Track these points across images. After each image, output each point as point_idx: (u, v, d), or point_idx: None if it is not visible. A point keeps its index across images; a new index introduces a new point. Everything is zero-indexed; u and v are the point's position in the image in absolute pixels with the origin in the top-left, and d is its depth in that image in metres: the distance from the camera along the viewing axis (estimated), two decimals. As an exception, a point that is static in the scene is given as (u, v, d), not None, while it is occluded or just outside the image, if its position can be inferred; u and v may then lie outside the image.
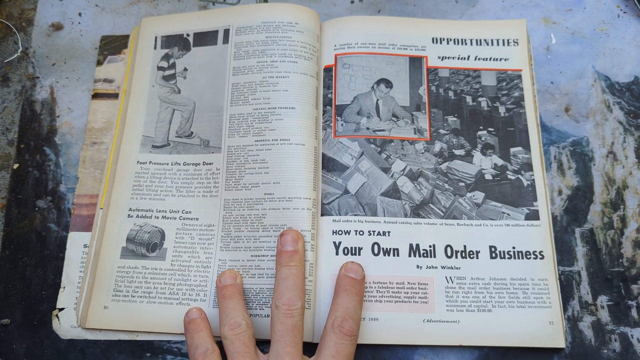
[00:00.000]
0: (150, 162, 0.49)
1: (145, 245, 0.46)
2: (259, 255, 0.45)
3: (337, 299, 0.42)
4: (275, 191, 0.46)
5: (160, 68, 0.52)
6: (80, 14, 0.55)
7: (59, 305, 0.46)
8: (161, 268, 0.46)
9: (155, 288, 0.45)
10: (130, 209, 0.48)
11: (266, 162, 0.47)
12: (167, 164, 0.49)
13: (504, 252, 0.45)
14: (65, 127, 0.51)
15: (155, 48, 0.53)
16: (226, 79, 0.50)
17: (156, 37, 0.53)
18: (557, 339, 0.43)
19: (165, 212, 0.47)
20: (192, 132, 0.50)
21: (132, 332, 0.45)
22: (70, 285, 0.46)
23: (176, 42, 0.53)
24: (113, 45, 0.54)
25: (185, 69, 0.52)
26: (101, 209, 0.48)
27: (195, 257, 0.46)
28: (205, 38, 0.52)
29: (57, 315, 0.45)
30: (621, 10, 0.54)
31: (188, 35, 0.53)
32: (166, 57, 0.52)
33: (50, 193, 0.49)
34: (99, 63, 0.53)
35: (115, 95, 0.52)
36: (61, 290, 0.46)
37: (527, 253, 0.45)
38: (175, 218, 0.47)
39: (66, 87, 0.53)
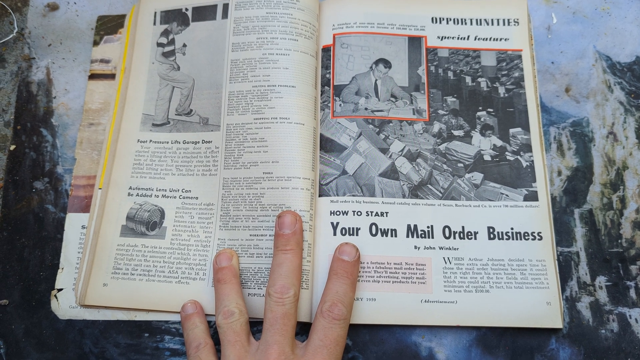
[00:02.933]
0: (150, 141, 0.49)
1: (145, 223, 0.46)
2: (257, 235, 0.45)
3: (328, 283, 0.42)
4: (274, 170, 0.45)
5: (159, 44, 0.52)
6: (75, -6, 0.55)
7: (57, 286, 0.46)
8: (160, 246, 0.46)
9: (154, 266, 0.45)
10: (130, 188, 0.48)
11: (265, 140, 0.46)
12: (167, 142, 0.49)
13: (502, 232, 0.45)
14: (61, 108, 0.51)
15: (154, 24, 0.52)
16: (225, 55, 0.50)
17: (155, 13, 0.52)
18: (554, 319, 0.43)
19: (165, 190, 0.47)
20: (191, 110, 0.49)
21: (131, 311, 0.45)
22: (69, 266, 0.46)
23: (175, 17, 0.52)
24: (109, 25, 0.53)
25: (184, 45, 0.51)
26: (100, 189, 0.48)
27: (195, 236, 0.46)
28: (204, 13, 0.52)
29: (55, 296, 0.45)
30: (623, -11, 0.53)
31: (187, 9, 0.52)
32: (165, 32, 0.52)
33: (47, 174, 0.49)
34: (96, 43, 0.53)
35: (112, 76, 0.52)
36: (60, 271, 0.46)
37: (525, 234, 0.45)
38: (175, 197, 0.47)
39: (62, 67, 0.52)
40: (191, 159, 0.48)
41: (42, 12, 0.54)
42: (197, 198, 0.47)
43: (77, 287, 0.45)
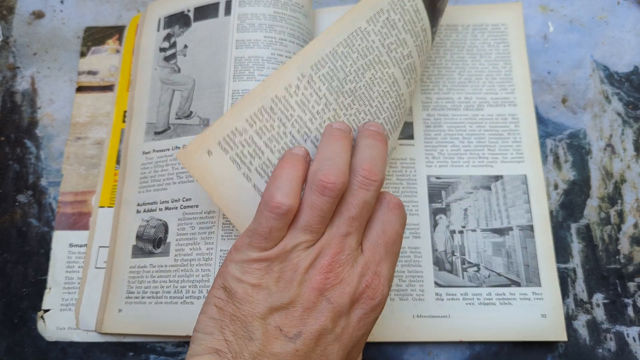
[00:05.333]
0: (153, 151, 0.47)
1: (152, 241, 0.45)
2: None
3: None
4: None
5: (162, 49, 0.50)
6: (62, 2, 0.54)
7: (44, 306, 0.44)
8: (166, 265, 0.44)
9: (162, 287, 0.43)
10: (138, 204, 0.46)
11: None
12: (168, 149, 0.47)
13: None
14: (46, 119, 0.50)
15: (158, 30, 0.51)
16: (228, 52, 0.48)
17: (159, 19, 0.51)
18: (554, 332, 0.42)
19: (168, 202, 0.45)
20: (191, 112, 0.47)
21: (145, 336, 0.43)
22: (57, 286, 0.45)
23: (177, 20, 0.50)
24: (97, 37, 0.52)
25: (186, 46, 0.49)
26: (101, 207, 0.46)
27: (197, 250, 0.44)
28: (206, 11, 0.50)
29: (42, 317, 0.44)
30: (621, -3, 0.52)
31: (189, 11, 0.50)
32: (168, 37, 0.50)
33: (31, 187, 0.48)
34: (83, 54, 0.52)
35: (100, 88, 0.50)
36: (47, 291, 0.45)
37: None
38: (176, 208, 0.45)
39: (47, 77, 0.51)
40: None
41: (28, 20, 0.53)
42: (197, 206, 0.45)
43: (78, 311, 0.44)
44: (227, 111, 0.38)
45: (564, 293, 0.44)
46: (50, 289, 0.45)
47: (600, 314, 0.43)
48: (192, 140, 0.36)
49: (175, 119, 0.48)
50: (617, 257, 0.45)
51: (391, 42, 0.41)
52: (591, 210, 0.46)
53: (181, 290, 0.43)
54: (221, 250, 0.43)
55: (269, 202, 0.33)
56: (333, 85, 0.39)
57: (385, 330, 0.42)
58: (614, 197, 0.46)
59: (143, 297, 0.43)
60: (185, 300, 0.42)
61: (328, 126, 0.37)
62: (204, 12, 0.50)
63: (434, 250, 0.44)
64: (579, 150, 0.48)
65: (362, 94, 0.40)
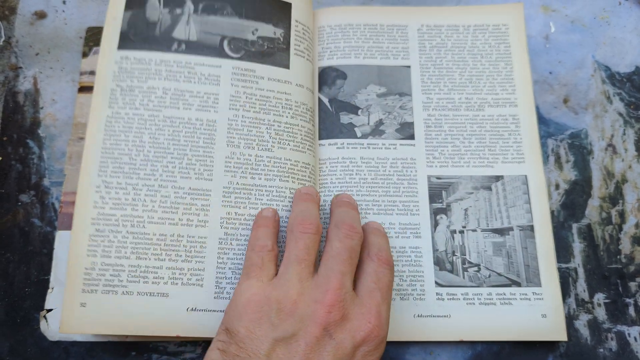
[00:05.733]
0: None
1: None
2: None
3: (369, 237, 0.40)
4: None
5: None
6: (64, 2, 0.54)
7: (47, 306, 0.45)
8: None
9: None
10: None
11: None
12: None
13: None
14: (49, 119, 0.50)
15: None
16: None
17: None
18: (554, 332, 0.42)
19: None
20: None
21: (121, 336, 0.43)
22: (59, 285, 0.45)
23: None
24: (99, 37, 0.52)
25: None
26: None
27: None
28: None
29: (45, 317, 0.44)
30: (623, -3, 0.52)
31: None
32: None
33: (33, 187, 0.48)
34: (84, 55, 0.52)
35: (101, 86, 0.51)
36: (49, 291, 0.45)
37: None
38: None
39: (50, 77, 0.51)
40: None
41: (30, 20, 0.53)
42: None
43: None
44: None
45: (566, 293, 0.44)
46: (52, 288, 0.45)
47: (601, 313, 0.43)
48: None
49: None
50: (618, 257, 0.45)
51: None
52: (592, 210, 0.46)
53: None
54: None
55: (255, 245, 0.39)
56: None
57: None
58: (615, 197, 0.46)
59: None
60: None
61: (298, 191, 0.43)
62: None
63: (435, 250, 0.44)
64: (580, 151, 0.48)
65: None
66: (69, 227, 0.47)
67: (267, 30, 0.47)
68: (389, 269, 0.38)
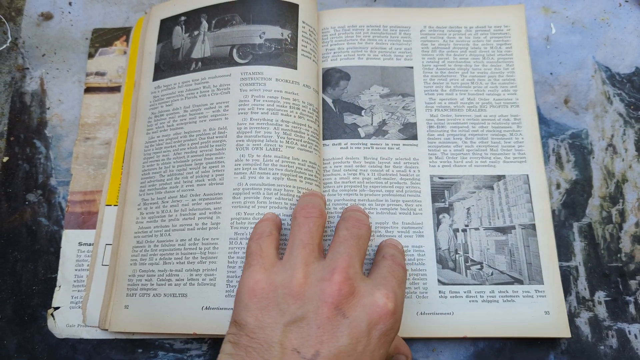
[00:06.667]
0: None
1: None
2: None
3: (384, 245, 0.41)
4: None
5: None
6: (70, 3, 0.54)
7: (54, 304, 0.45)
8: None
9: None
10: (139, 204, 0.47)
11: None
12: None
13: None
14: (55, 120, 0.51)
15: (144, 40, 0.52)
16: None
17: (146, 30, 0.52)
18: (557, 329, 0.42)
19: None
20: None
21: (151, 334, 0.44)
22: (66, 284, 0.46)
23: None
24: (105, 38, 0.53)
25: None
26: (114, 205, 0.47)
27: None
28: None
29: (52, 315, 0.45)
30: (623, -1, 0.53)
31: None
32: None
33: (40, 187, 0.48)
34: (91, 56, 0.52)
35: (108, 89, 0.51)
36: (57, 289, 0.45)
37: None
38: None
39: (56, 78, 0.52)
40: None
41: (36, 21, 0.54)
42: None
43: (84, 308, 0.44)
44: None
45: (567, 291, 0.44)
46: (60, 287, 0.46)
47: (602, 311, 0.44)
48: None
49: None
50: (618, 255, 0.45)
51: None
52: (593, 210, 0.47)
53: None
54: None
55: (253, 235, 0.38)
56: None
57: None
58: (616, 197, 0.47)
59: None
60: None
61: (303, 195, 0.42)
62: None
63: (437, 248, 0.45)
64: (581, 150, 0.48)
65: None
66: (75, 226, 0.47)
67: (274, 32, 0.47)
68: (403, 270, 0.38)
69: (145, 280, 0.43)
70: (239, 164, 0.44)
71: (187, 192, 0.44)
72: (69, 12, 0.54)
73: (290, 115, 0.45)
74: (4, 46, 0.53)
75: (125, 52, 0.52)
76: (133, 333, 0.44)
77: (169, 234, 0.44)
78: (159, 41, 0.50)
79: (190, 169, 0.45)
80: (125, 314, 0.43)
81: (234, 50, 0.47)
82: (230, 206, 0.43)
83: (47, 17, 0.54)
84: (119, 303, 0.43)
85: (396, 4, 0.54)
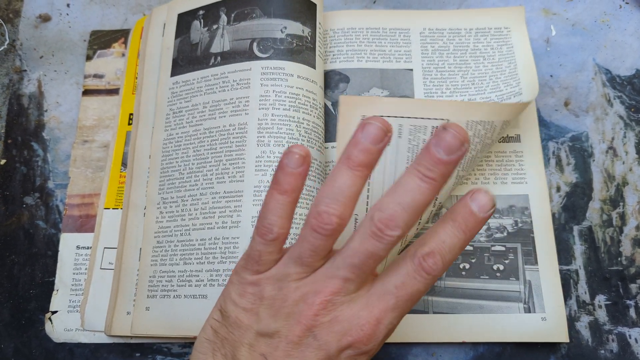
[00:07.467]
0: None
1: None
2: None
3: (438, 226, 0.31)
4: None
5: None
6: (68, 5, 0.54)
7: (52, 308, 0.45)
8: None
9: (171, 287, 0.43)
10: (145, 208, 0.46)
11: None
12: None
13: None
14: (53, 122, 0.50)
15: (163, 35, 0.51)
16: None
17: (164, 24, 0.51)
18: (555, 334, 0.42)
19: None
20: None
21: (155, 337, 0.43)
22: (64, 288, 0.45)
23: None
24: (103, 40, 0.53)
25: None
26: (112, 208, 0.47)
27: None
28: None
29: (50, 319, 0.45)
30: (623, 0, 0.52)
31: None
32: None
33: (38, 189, 0.48)
34: (89, 58, 0.52)
35: (106, 92, 0.51)
36: (54, 293, 0.45)
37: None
38: None
39: (54, 80, 0.52)
40: None
41: (34, 23, 0.53)
42: None
43: (83, 312, 0.44)
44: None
45: (567, 295, 0.44)
46: (57, 290, 0.45)
47: (602, 315, 0.44)
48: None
49: None
50: (619, 259, 0.45)
51: None
52: (593, 213, 0.46)
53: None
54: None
55: (260, 227, 0.32)
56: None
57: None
58: (616, 200, 0.47)
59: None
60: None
61: (353, 141, 0.30)
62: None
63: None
64: (581, 153, 0.48)
65: None
66: (73, 229, 0.47)
67: (296, 28, 0.47)
68: (426, 279, 0.30)
69: (166, 281, 0.43)
70: (260, 161, 0.43)
71: (206, 190, 0.44)
72: (67, 14, 0.54)
73: (310, 115, 0.45)
74: (2, 48, 0.53)
75: (123, 54, 0.52)
76: (149, 337, 0.43)
77: (189, 234, 0.43)
78: (176, 36, 0.49)
79: (210, 166, 0.44)
80: (146, 316, 0.42)
81: (254, 44, 0.46)
82: (251, 204, 0.42)
83: (45, 18, 0.54)
84: (141, 305, 0.43)
85: (396, 5, 0.53)
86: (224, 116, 0.45)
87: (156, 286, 0.43)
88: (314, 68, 0.46)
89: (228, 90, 0.46)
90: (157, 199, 0.45)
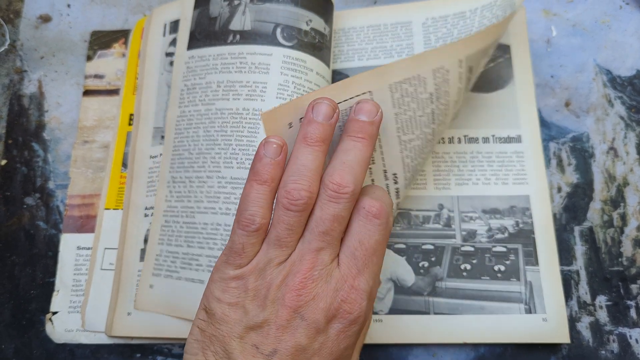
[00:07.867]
0: (160, 155, 0.47)
1: None
2: None
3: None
4: None
5: (168, 54, 0.50)
6: (68, 6, 0.54)
7: (52, 308, 0.45)
8: None
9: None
10: (145, 208, 0.46)
11: None
12: None
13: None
14: (53, 122, 0.50)
15: (164, 35, 0.51)
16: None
17: (165, 25, 0.51)
18: (556, 335, 0.42)
19: None
20: None
21: (155, 339, 0.44)
22: (65, 288, 0.45)
23: None
24: (103, 40, 0.53)
25: None
26: (113, 209, 0.47)
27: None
28: None
29: (50, 319, 0.45)
30: (624, 1, 0.52)
31: None
32: (174, 41, 0.50)
33: (38, 190, 0.48)
34: (89, 58, 0.52)
35: (106, 92, 0.51)
36: (55, 293, 0.45)
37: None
38: None
39: (55, 81, 0.52)
40: None
41: (35, 23, 0.53)
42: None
43: (83, 312, 0.44)
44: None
45: (568, 295, 0.44)
46: (58, 291, 0.45)
47: (603, 315, 0.44)
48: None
49: None
50: (620, 259, 0.45)
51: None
52: (594, 213, 0.46)
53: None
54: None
55: (240, 218, 0.33)
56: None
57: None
58: (617, 200, 0.47)
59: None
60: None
61: (311, 107, 0.34)
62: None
63: (438, 252, 0.45)
64: (582, 154, 0.48)
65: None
66: (73, 229, 0.47)
67: (319, 23, 0.46)
68: (379, 224, 0.33)
69: (170, 261, 0.43)
70: None
71: (213, 173, 0.43)
72: (68, 15, 0.54)
73: None
74: (2, 49, 0.53)
75: (124, 55, 0.52)
76: (150, 337, 0.43)
77: (194, 216, 0.43)
78: (195, 7, 0.48)
79: (219, 149, 0.43)
80: (149, 293, 0.43)
81: (278, 30, 0.45)
82: None
83: (46, 19, 0.54)
84: (146, 282, 0.43)
85: (397, 1, 0.53)
86: (238, 99, 0.44)
87: (161, 265, 0.43)
88: (329, 68, 0.46)
89: (245, 72, 0.44)
90: (168, 177, 0.45)
